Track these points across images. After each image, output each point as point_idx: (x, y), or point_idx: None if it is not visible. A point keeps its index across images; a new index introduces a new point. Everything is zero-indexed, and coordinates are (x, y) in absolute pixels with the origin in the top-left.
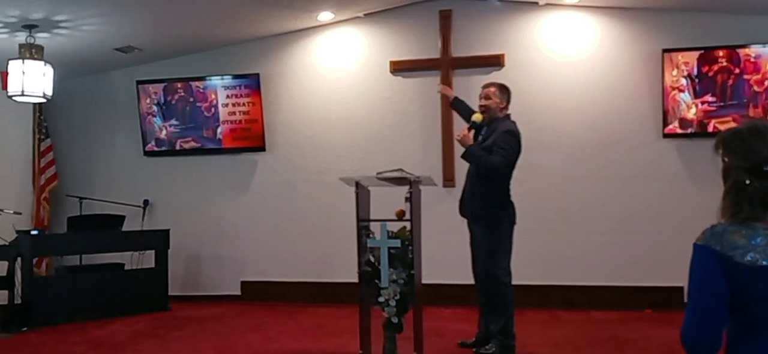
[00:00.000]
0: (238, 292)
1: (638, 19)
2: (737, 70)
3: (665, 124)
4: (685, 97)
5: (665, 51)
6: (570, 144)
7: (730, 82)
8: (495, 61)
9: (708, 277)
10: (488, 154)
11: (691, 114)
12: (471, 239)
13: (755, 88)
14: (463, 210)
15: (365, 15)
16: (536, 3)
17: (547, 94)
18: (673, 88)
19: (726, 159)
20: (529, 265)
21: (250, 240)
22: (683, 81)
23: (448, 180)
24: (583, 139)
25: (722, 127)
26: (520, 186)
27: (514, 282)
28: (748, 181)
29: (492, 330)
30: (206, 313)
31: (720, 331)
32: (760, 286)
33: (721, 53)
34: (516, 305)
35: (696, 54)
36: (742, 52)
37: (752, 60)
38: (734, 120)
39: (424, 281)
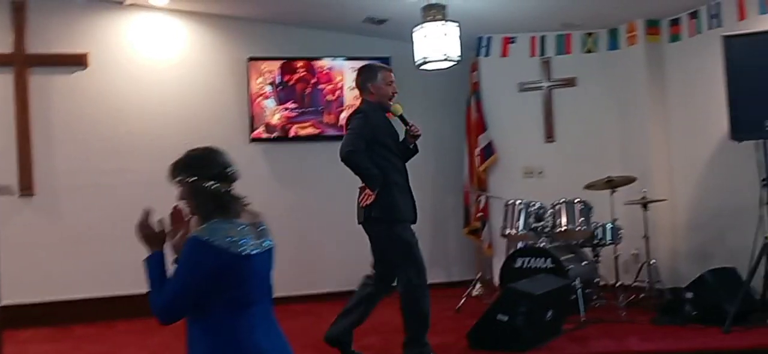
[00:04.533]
0: None
1: (226, 27)
2: (314, 80)
3: (252, 128)
4: (270, 103)
5: (251, 59)
6: (164, 147)
7: (308, 90)
8: (78, 61)
9: (201, 271)
10: None
11: (275, 119)
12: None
13: (328, 97)
14: (414, 215)
15: None
16: (120, 3)
17: (138, 97)
18: (259, 95)
19: (188, 179)
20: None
21: None
22: (268, 88)
23: (26, 189)
24: (176, 142)
25: (303, 132)
26: (114, 191)
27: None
28: (213, 187)
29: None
30: None
31: (187, 313)
32: (248, 269)
33: (300, 64)
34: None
35: (279, 63)
36: (317, 64)
37: (326, 71)
38: (313, 126)
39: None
